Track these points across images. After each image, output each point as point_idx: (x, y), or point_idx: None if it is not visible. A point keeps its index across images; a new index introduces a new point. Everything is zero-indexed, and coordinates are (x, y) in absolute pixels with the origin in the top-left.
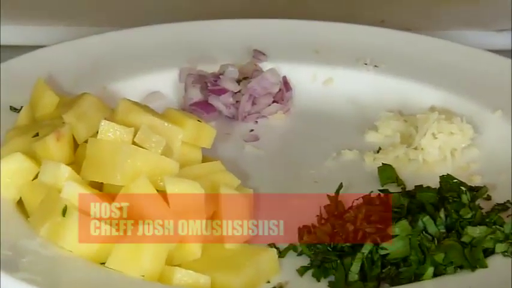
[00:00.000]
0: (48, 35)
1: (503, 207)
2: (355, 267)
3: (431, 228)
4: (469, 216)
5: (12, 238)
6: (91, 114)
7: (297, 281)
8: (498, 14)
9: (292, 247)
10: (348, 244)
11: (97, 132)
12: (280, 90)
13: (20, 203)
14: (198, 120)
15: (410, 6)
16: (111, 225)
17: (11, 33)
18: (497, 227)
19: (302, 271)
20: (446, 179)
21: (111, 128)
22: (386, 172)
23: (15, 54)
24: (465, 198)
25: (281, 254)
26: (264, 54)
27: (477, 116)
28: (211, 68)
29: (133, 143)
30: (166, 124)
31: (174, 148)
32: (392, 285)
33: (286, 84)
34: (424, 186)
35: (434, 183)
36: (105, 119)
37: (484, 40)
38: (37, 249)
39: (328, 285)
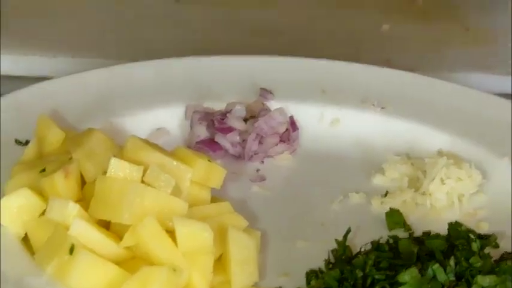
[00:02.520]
0: (51, 66)
1: None
2: None
3: (441, 277)
4: (479, 264)
5: (17, 275)
6: (99, 151)
7: None
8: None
9: None
10: None
11: (105, 170)
12: (286, 130)
13: (25, 240)
14: (208, 160)
15: (416, 47)
16: (118, 264)
17: (11, 63)
18: (507, 276)
19: None
20: (454, 226)
21: (120, 166)
22: (394, 217)
23: (15, 85)
24: (475, 246)
25: None
26: (271, 92)
27: (484, 162)
28: (218, 105)
29: (143, 181)
30: (175, 163)
31: (183, 188)
32: None
33: (293, 124)
34: (431, 231)
35: (442, 229)
36: (114, 156)
37: (492, 83)
38: (43, 287)
39: None
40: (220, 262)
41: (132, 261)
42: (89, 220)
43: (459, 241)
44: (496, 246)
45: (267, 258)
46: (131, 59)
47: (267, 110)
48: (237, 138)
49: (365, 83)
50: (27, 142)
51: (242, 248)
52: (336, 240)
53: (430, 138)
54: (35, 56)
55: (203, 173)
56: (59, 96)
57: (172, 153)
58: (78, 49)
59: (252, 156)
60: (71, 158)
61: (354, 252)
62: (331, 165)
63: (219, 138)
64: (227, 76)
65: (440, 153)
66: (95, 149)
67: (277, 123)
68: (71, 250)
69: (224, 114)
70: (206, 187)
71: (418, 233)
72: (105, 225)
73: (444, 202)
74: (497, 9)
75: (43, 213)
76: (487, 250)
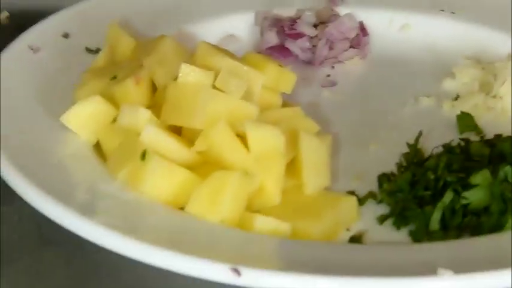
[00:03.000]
0: None
1: None
2: (436, 216)
3: None
4: None
5: (89, 182)
6: (170, 58)
7: (376, 229)
8: None
9: (371, 195)
10: (428, 193)
11: (176, 76)
12: (357, 35)
13: (97, 147)
14: (279, 65)
15: None
16: (190, 169)
17: None
18: None
19: (382, 219)
20: None
21: (191, 71)
22: (465, 120)
23: None
24: None
25: (360, 201)
26: None
27: None
28: (287, 12)
29: (213, 86)
30: (246, 68)
31: (254, 92)
32: (473, 235)
33: (363, 29)
34: (503, 135)
35: None
36: (185, 62)
37: None
38: (115, 193)
39: (408, 234)
40: (292, 166)
41: (204, 166)
42: (160, 126)
43: None
44: None
45: (339, 162)
46: None
47: (337, 15)
48: (307, 44)
49: None
50: (97, 50)
51: (314, 152)
52: (408, 143)
53: (501, 42)
54: None
55: (274, 78)
56: (128, 4)
57: (242, 59)
58: None
59: (322, 61)
60: (142, 65)
61: (426, 155)
62: (401, 70)
63: (289, 44)
64: None
65: (510, 57)
66: (165, 55)
67: (347, 28)
68: (143, 156)
69: (294, 20)
70: (277, 92)
71: (489, 136)
72: (177, 132)
73: None
74: None
75: (114, 120)
76: None
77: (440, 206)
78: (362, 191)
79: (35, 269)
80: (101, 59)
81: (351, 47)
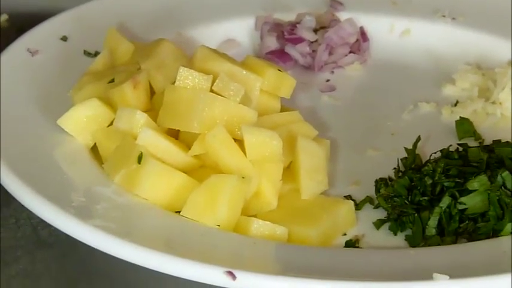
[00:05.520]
0: None
1: None
2: (433, 222)
3: (511, 184)
4: None
5: (86, 184)
6: (169, 62)
7: (373, 234)
8: None
9: (369, 199)
10: (425, 198)
11: (174, 80)
12: (357, 40)
13: (94, 150)
14: (279, 70)
15: None
16: (186, 173)
17: None
18: None
19: (379, 224)
20: None
21: (189, 75)
22: (464, 126)
23: None
24: None
25: (358, 206)
26: (341, 3)
27: None
28: (288, 17)
29: (212, 91)
30: (245, 72)
31: (252, 97)
32: (470, 241)
33: (363, 34)
34: (502, 140)
35: None
36: (183, 66)
37: None
38: (111, 196)
39: (405, 239)
40: (290, 171)
41: (201, 170)
42: (157, 129)
43: None
44: None
45: (337, 167)
46: None
47: (337, 20)
48: (307, 49)
49: None
50: (96, 54)
51: (311, 157)
52: (406, 148)
53: (501, 49)
54: None
55: (273, 82)
56: (126, 7)
57: (242, 63)
58: None
59: (322, 66)
60: (139, 69)
61: (424, 160)
62: (401, 76)
63: (289, 49)
64: None
65: (510, 63)
66: (164, 59)
67: (347, 33)
68: (139, 159)
69: (294, 25)
70: (276, 96)
71: (488, 142)
72: (174, 135)
73: None
74: None
75: (111, 123)
76: None
77: (437, 211)
78: (359, 196)
79: (31, 270)
80: (99, 62)
81: (351, 52)
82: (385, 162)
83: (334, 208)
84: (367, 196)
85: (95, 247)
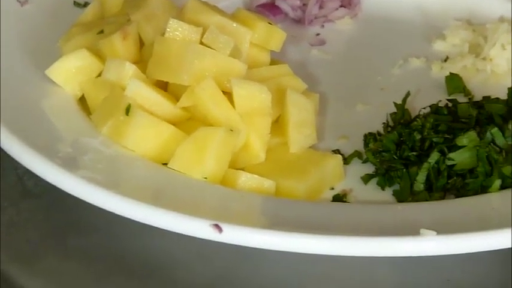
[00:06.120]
0: None
1: None
2: (421, 177)
3: (500, 140)
4: None
5: (73, 135)
6: (159, 13)
7: (361, 188)
8: None
9: (357, 154)
10: (414, 153)
11: (164, 32)
12: None
13: (82, 100)
14: (269, 23)
15: None
16: (175, 125)
17: None
18: None
19: (367, 179)
20: None
21: (179, 27)
22: (454, 81)
23: None
24: None
25: (346, 160)
26: None
27: None
28: None
29: (201, 43)
30: (235, 25)
31: (242, 49)
32: (458, 197)
33: None
34: (492, 97)
35: (502, 95)
36: (173, 18)
37: None
38: (99, 147)
39: (393, 194)
40: (278, 124)
41: (189, 122)
42: (146, 81)
43: None
44: None
45: (326, 121)
46: None
47: None
48: (298, 2)
49: None
50: (86, 4)
51: (300, 110)
52: (395, 103)
53: (492, 4)
54: None
55: (263, 35)
56: None
57: (232, 16)
58: None
59: (312, 20)
60: (129, 20)
61: (413, 115)
62: (392, 30)
63: (280, 2)
64: None
65: (501, 20)
66: (154, 11)
67: None
68: (127, 110)
69: None
70: (266, 49)
71: (477, 98)
72: (163, 87)
73: (505, 67)
74: None
75: (100, 74)
76: None
77: (425, 166)
78: (348, 150)
79: (17, 221)
80: (88, 13)
81: (342, 6)
82: (374, 117)
83: (322, 162)
84: (356, 150)
85: (82, 198)
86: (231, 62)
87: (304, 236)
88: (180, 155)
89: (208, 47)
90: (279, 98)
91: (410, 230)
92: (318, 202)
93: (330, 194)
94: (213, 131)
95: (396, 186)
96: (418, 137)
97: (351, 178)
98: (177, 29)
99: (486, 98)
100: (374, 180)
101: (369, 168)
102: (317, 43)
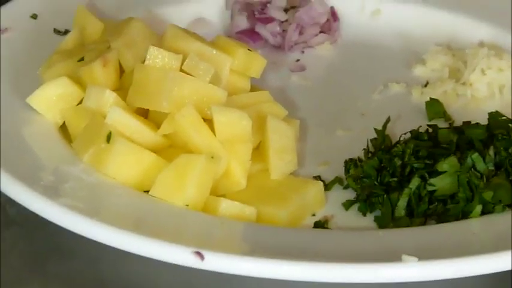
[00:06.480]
0: None
1: None
2: (402, 203)
3: (480, 166)
4: None
5: (54, 163)
6: (139, 41)
7: (342, 214)
8: None
9: (338, 180)
10: (395, 179)
11: (144, 59)
12: (327, 20)
13: (63, 128)
14: (249, 49)
15: None
16: (155, 152)
17: None
18: None
19: (348, 205)
20: (495, 116)
21: (159, 54)
22: (434, 107)
23: None
24: None
25: (327, 186)
26: None
27: None
28: None
29: (182, 70)
30: (215, 52)
31: (222, 76)
32: (439, 222)
33: (333, 14)
34: (472, 122)
35: (482, 120)
36: (152, 45)
37: None
38: (80, 175)
39: (374, 220)
40: (259, 151)
41: (170, 150)
42: (127, 109)
43: (499, 131)
44: None
45: (307, 147)
46: None
47: (308, 0)
48: (278, 29)
49: None
50: (66, 32)
51: (281, 137)
52: (376, 129)
53: (472, 29)
54: None
55: (243, 62)
56: None
57: (212, 43)
58: None
59: (292, 46)
60: (109, 47)
61: (394, 141)
62: (372, 56)
63: (260, 28)
64: None
65: (481, 45)
66: (134, 38)
67: (317, 13)
68: (108, 138)
69: (265, 5)
70: (246, 76)
71: (458, 123)
72: (143, 115)
73: (485, 92)
74: None
75: (81, 102)
76: None
77: (406, 192)
78: (328, 177)
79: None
80: (69, 40)
81: (321, 32)
82: (355, 142)
83: (303, 188)
84: (337, 177)
85: (63, 226)
86: (211, 89)
87: (285, 262)
88: (161, 182)
89: (189, 74)
90: (260, 124)
91: (392, 256)
92: (299, 229)
93: (312, 221)
94: (194, 158)
95: (377, 212)
96: (399, 162)
97: (332, 204)
98: (157, 57)
99: (466, 123)
100: (355, 206)
101: (350, 194)
102: (297, 69)
